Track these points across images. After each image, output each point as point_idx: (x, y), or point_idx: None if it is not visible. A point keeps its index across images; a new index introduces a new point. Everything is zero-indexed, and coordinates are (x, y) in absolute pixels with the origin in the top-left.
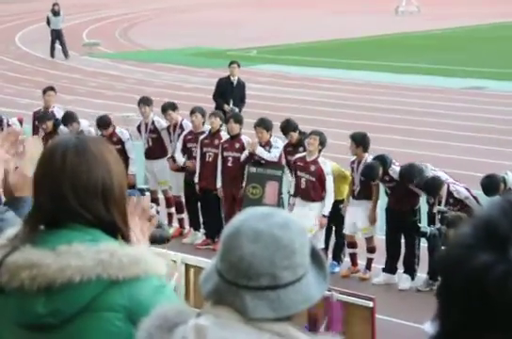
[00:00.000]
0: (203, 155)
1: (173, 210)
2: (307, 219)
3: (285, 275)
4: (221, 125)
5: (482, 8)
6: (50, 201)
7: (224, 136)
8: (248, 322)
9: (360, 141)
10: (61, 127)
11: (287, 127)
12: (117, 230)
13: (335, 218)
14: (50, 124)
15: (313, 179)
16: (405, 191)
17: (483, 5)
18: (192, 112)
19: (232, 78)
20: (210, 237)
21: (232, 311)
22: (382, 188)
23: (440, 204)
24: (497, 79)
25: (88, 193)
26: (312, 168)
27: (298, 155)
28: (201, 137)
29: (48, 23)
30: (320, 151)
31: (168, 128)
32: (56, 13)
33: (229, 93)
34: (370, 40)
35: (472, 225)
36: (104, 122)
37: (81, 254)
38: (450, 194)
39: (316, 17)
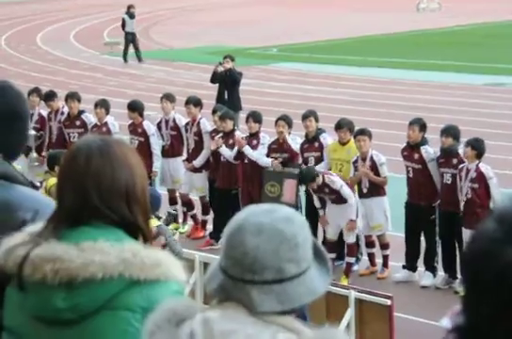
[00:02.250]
0: (218, 155)
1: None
2: (344, 218)
3: (290, 268)
4: (234, 125)
5: (502, 3)
6: (74, 201)
7: (239, 135)
8: (254, 315)
9: (370, 135)
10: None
11: (340, 125)
12: (139, 230)
13: None
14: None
15: (333, 196)
16: (424, 182)
17: (503, 1)
18: (214, 111)
19: (223, 65)
20: (214, 238)
21: (237, 305)
22: (396, 184)
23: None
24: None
25: (111, 194)
26: (326, 190)
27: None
28: (217, 137)
29: (123, 25)
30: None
31: (185, 125)
32: (131, 16)
33: (221, 83)
34: (390, 37)
35: (496, 220)
36: (134, 105)
37: (105, 251)
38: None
39: (336, 15)
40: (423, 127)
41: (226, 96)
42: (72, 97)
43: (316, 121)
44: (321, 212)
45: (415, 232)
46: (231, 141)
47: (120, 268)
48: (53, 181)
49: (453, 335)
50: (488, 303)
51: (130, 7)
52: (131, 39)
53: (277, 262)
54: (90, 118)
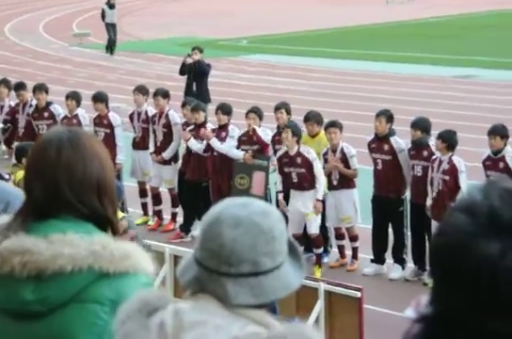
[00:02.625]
0: (189, 148)
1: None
2: (307, 208)
3: (265, 261)
4: (206, 117)
5: None
6: (44, 194)
7: (210, 127)
8: (225, 307)
9: (341, 127)
10: None
11: (308, 118)
12: (108, 223)
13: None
14: None
15: (302, 170)
16: (393, 173)
17: None
18: (183, 104)
19: (192, 56)
20: (184, 231)
21: (210, 296)
22: (365, 177)
23: None
24: (489, 68)
25: (83, 187)
26: (298, 160)
27: (279, 153)
28: (188, 128)
29: (103, 16)
30: (298, 141)
31: (152, 117)
32: (111, 6)
33: (190, 75)
34: (361, 29)
35: (467, 212)
36: (100, 96)
37: (74, 244)
38: None
39: (307, 7)
40: (389, 118)
41: (194, 88)
42: (40, 89)
43: (288, 113)
44: (280, 195)
45: (383, 225)
46: (223, 135)
47: (90, 261)
48: (21, 174)
49: (419, 325)
50: (460, 295)
51: None
52: (112, 30)
53: (253, 255)
54: (59, 109)
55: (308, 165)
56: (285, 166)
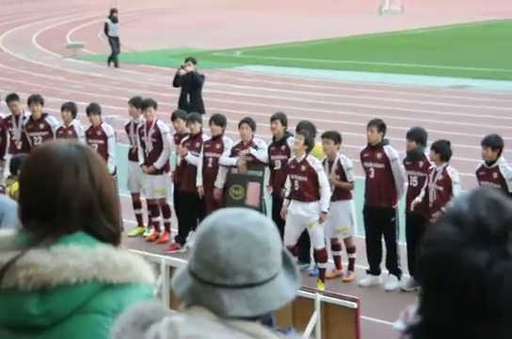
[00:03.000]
0: (185, 159)
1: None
2: (308, 219)
3: (261, 273)
4: (201, 128)
5: (465, 7)
6: (76, 214)
7: (205, 138)
8: (220, 320)
9: (338, 139)
10: None
11: (299, 128)
12: (116, 240)
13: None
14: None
15: (305, 179)
16: (385, 182)
17: (466, 4)
18: (173, 117)
19: (185, 68)
20: (179, 242)
21: (204, 309)
22: (361, 187)
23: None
24: (483, 78)
25: (95, 205)
26: (303, 168)
27: (290, 159)
28: (183, 140)
29: (106, 30)
30: (307, 151)
31: (140, 128)
32: (114, 20)
33: (184, 86)
34: (353, 39)
35: (454, 223)
36: (95, 108)
37: (78, 255)
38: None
39: (299, 18)
40: (381, 127)
41: (188, 99)
42: (36, 100)
43: (283, 123)
44: (286, 201)
45: (375, 235)
46: (197, 144)
47: (95, 272)
48: (17, 186)
49: (408, 336)
50: (448, 304)
51: (113, 11)
52: (115, 43)
53: (248, 266)
54: (54, 121)
55: (311, 174)
56: (290, 172)
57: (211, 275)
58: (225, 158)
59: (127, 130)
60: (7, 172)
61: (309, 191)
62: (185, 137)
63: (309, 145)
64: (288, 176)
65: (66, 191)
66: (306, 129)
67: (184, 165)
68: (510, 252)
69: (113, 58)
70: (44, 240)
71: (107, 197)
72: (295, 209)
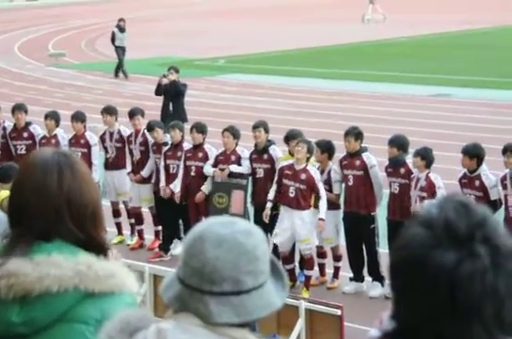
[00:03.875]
0: (167, 167)
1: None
2: (301, 230)
3: (248, 280)
4: (182, 136)
5: (448, 15)
6: (44, 219)
7: (186, 146)
8: (207, 327)
9: (326, 148)
10: None
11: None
12: (101, 247)
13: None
14: None
15: (304, 187)
16: (364, 189)
17: (449, 12)
18: (150, 129)
19: (168, 77)
20: (163, 250)
21: (192, 316)
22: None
23: None
24: (464, 86)
25: (79, 212)
26: (303, 176)
27: (285, 164)
28: (164, 149)
29: (113, 39)
30: (308, 159)
31: (128, 137)
32: (122, 29)
33: (166, 95)
34: (337, 48)
35: (424, 225)
36: (80, 116)
37: (60, 264)
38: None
39: (284, 26)
40: (358, 136)
41: (171, 108)
42: (20, 109)
43: (266, 132)
44: (269, 204)
45: (355, 242)
46: (179, 153)
47: (76, 281)
48: (5, 193)
49: None
50: (420, 307)
51: (120, 20)
52: (122, 53)
53: (235, 273)
54: (38, 129)
55: (311, 183)
56: (286, 178)
57: (198, 281)
58: (208, 168)
59: (102, 139)
60: None
61: (305, 199)
62: (167, 147)
63: (310, 154)
64: (280, 181)
65: (28, 194)
66: (303, 141)
67: (167, 174)
68: (477, 252)
69: (121, 69)
70: (19, 247)
71: (83, 203)
72: (289, 218)
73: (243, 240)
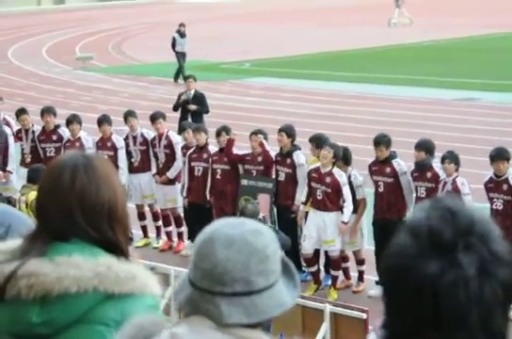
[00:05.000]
0: (191, 170)
1: (160, 223)
2: (326, 231)
3: (259, 281)
4: (207, 139)
5: (473, 19)
6: (59, 218)
7: (212, 149)
8: (220, 329)
9: (341, 158)
10: None
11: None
12: (118, 248)
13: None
14: None
15: (329, 190)
16: (395, 196)
17: (474, 16)
18: (183, 129)
19: (188, 92)
20: None
21: (204, 318)
22: (371, 198)
23: None
24: (490, 90)
25: (94, 212)
26: (328, 179)
27: (312, 167)
28: (189, 151)
29: (173, 45)
30: (334, 163)
31: (152, 140)
32: (182, 34)
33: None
34: (363, 52)
35: (410, 234)
36: (107, 118)
37: (79, 265)
38: None
39: (308, 30)
40: (388, 144)
41: (189, 119)
42: (49, 111)
43: (288, 136)
44: (302, 206)
45: (385, 247)
46: (204, 155)
47: (95, 282)
48: (33, 194)
49: None
50: (405, 317)
51: (181, 25)
52: (183, 58)
53: (246, 274)
54: (67, 132)
55: (336, 187)
56: (313, 181)
57: (209, 283)
58: None
59: (127, 144)
60: (21, 182)
61: (331, 201)
62: (192, 149)
63: (336, 158)
64: (309, 183)
65: (43, 194)
66: (330, 145)
67: (191, 176)
68: (460, 261)
69: (181, 74)
70: (36, 247)
71: (99, 202)
72: (316, 220)
73: (252, 240)
